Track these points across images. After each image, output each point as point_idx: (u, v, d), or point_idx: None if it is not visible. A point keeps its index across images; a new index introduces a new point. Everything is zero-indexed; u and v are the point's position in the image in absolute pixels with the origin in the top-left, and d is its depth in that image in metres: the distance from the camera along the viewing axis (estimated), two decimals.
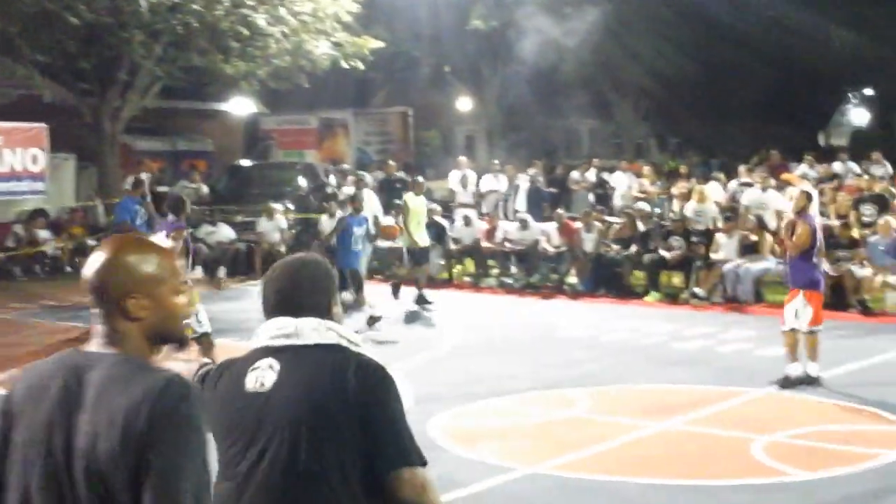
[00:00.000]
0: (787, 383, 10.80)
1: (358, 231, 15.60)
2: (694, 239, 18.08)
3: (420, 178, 18.48)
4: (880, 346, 13.29)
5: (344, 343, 3.28)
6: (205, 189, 23.76)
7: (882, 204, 18.16)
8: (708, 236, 17.97)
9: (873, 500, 7.58)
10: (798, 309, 10.82)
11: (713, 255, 17.63)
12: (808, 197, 11.16)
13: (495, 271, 20.01)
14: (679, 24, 29.77)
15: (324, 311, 3.34)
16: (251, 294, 17.97)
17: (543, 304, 17.72)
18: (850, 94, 31.72)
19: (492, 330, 15.02)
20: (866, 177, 19.96)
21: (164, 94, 25.07)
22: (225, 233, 21.39)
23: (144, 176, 19.60)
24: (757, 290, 17.07)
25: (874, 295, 16.28)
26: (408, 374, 10.82)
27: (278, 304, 3.35)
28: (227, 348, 12.91)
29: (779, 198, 18.75)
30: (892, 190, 19.01)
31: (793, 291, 11.02)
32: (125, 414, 2.47)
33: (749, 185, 19.67)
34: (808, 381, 10.78)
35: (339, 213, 19.60)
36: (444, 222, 20.01)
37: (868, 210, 17.90)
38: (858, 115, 32.00)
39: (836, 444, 8.77)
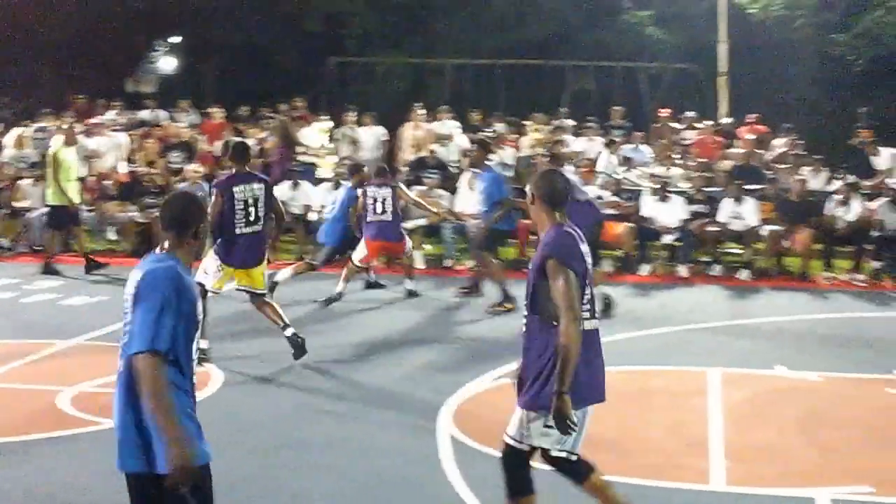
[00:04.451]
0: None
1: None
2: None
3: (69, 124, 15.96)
4: None
5: None
6: None
7: (189, 151, 18.46)
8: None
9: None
10: None
11: (15, 204, 16.89)
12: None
13: None
14: None
15: None
16: None
17: None
18: (157, 41, 31.89)
19: None
20: (174, 124, 20.13)
21: None
22: None
23: None
24: (65, 238, 16.64)
25: None
26: None
27: None
28: None
29: (88, 143, 18.30)
30: (198, 137, 19.39)
31: None
32: None
33: (44, 130, 18.89)
34: None
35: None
36: None
37: (176, 157, 18.08)
38: (166, 63, 32.31)
39: None
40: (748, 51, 24.98)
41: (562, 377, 4.76)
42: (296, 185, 16.77)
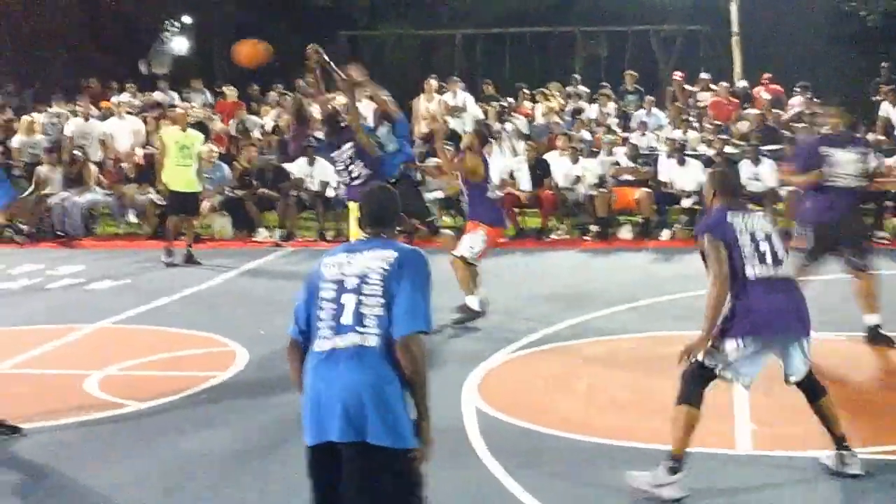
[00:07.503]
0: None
1: None
2: (17, 173, 17.26)
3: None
4: (208, 274, 13.58)
5: None
6: None
7: (204, 131, 18.46)
8: None
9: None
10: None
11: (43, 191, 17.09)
12: (482, 137, 10.72)
13: None
14: None
15: None
16: None
17: None
18: (169, 22, 31.86)
19: None
20: (188, 105, 20.12)
21: None
22: None
23: None
24: (85, 223, 16.84)
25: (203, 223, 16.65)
26: None
27: None
28: None
29: (102, 127, 18.34)
30: (214, 117, 19.40)
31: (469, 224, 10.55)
32: None
33: (58, 115, 18.99)
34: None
35: None
36: None
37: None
38: (179, 43, 32.23)
39: (168, 371, 8.76)
40: (760, 9, 24.80)
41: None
42: (312, 161, 16.77)
